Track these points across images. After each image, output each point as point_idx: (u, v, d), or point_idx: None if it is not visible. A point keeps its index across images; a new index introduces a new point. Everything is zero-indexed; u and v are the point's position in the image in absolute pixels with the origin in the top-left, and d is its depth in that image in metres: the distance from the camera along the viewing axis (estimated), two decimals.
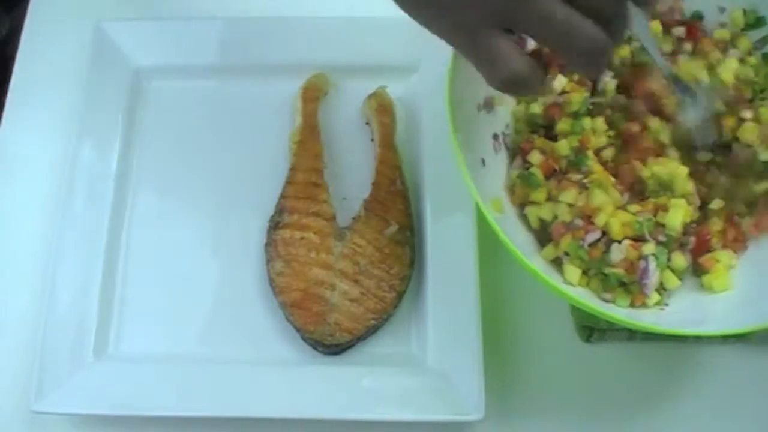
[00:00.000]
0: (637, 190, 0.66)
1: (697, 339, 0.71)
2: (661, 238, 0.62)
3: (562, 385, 0.71)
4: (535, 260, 0.60)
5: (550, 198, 0.66)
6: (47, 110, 0.82)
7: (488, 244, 0.72)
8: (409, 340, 0.72)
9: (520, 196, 0.67)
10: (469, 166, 0.61)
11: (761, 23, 0.70)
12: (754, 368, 0.72)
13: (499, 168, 0.69)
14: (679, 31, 0.69)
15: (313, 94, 0.78)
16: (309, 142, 0.76)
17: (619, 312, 0.61)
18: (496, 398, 0.69)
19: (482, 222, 0.69)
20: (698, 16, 0.71)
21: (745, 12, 0.70)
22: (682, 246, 0.64)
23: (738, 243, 0.66)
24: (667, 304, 0.64)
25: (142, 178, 0.77)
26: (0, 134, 0.81)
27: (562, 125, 0.68)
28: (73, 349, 0.69)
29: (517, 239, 0.63)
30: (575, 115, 0.68)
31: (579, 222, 0.63)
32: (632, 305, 0.63)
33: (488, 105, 0.68)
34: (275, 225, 0.73)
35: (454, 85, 0.62)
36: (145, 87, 0.80)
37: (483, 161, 0.66)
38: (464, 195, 0.71)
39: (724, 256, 0.65)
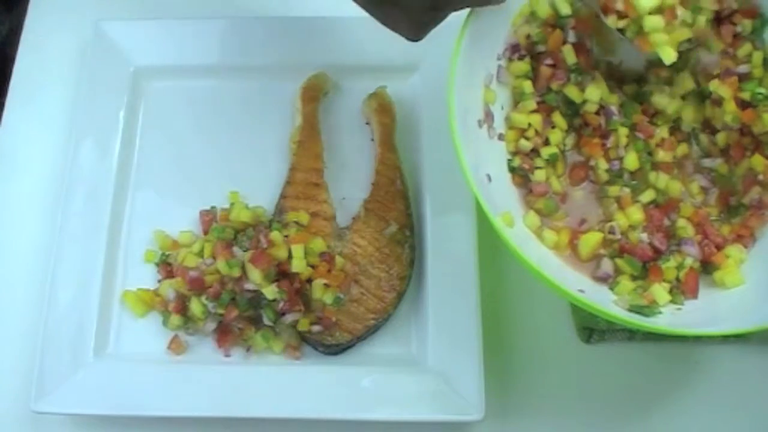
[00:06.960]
0: None
1: (697, 339, 0.71)
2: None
3: (562, 385, 0.71)
4: (546, 268, 0.60)
5: None
6: (47, 110, 0.82)
7: (488, 244, 0.72)
8: (409, 341, 0.72)
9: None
10: (478, 184, 0.61)
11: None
12: (754, 368, 0.72)
13: (503, 181, 0.68)
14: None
15: (313, 94, 0.78)
16: (309, 142, 0.76)
17: (620, 312, 0.61)
18: (496, 398, 0.69)
19: (482, 222, 0.70)
20: None
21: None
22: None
23: (746, 237, 0.65)
24: (683, 304, 0.63)
25: (142, 177, 0.77)
26: (0, 134, 0.81)
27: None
28: (73, 349, 0.69)
29: (528, 249, 0.63)
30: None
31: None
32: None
33: (488, 118, 0.68)
34: None
35: (456, 101, 0.62)
36: (145, 87, 0.80)
37: (489, 177, 0.66)
38: (464, 195, 0.71)
39: (733, 251, 0.64)
